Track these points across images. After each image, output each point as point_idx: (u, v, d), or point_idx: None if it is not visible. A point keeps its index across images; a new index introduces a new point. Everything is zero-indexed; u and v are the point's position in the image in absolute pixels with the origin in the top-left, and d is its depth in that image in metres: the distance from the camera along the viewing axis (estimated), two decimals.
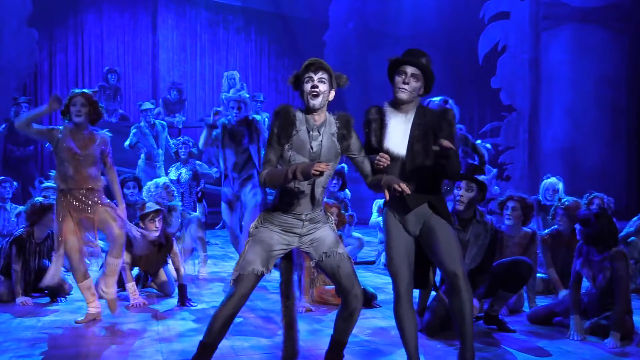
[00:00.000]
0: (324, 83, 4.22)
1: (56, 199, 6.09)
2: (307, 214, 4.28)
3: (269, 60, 19.88)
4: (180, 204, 8.80)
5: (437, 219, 4.31)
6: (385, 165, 4.03)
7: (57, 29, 17.30)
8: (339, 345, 4.52)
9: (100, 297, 6.15)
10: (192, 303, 6.89)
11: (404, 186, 3.95)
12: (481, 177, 7.62)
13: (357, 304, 4.37)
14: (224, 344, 5.30)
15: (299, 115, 4.25)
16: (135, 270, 7.54)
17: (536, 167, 14.71)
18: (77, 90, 6.12)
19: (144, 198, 8.54)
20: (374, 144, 4.34)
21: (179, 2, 18.81)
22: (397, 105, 4.32)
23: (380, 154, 4.07)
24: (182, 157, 10.68)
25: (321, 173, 3.83)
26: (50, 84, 17.24)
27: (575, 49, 14.49)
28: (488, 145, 11.36)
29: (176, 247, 7.37)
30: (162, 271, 7.43)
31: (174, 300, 7.05)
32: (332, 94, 4.30)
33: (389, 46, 16.85)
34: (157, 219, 7.12)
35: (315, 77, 4.20)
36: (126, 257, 7.07)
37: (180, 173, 10.35)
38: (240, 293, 4.20)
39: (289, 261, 4.56)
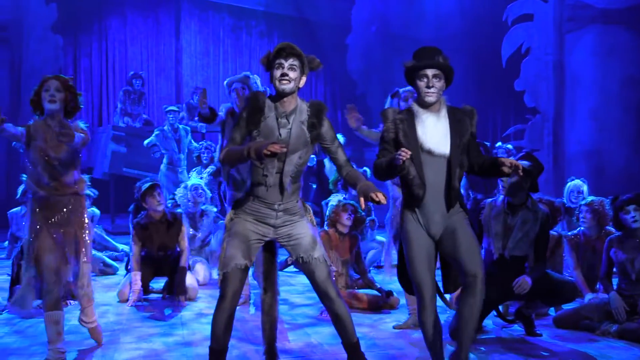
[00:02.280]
0: (295, 70, 4.18)
1: (30, 209, 5.03)
2: (279, 204, 4.25)
3: None
4: (215, 208, 8.84)
5: (459, 219, 4.31)
6: (405, 159, 3.97)
7: (81, 35, 17.43)
8: (353, 347, 4.47)
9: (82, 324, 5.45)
10: (183, 297, 7.11)
11: (380, 196, 3.98)
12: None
13: (334, 306, 4.35)
14: (249, 347, 5.33)
15: (268, 102, 4.23)
16: (161, 283, 7.60)
17: (561, 170, 14.61)
18: (49, 75, 5.09)
19: (177, 200, 8.67)
20: (405, 145, 4.23)
21: (202, 8, 18.89)
22: (426, 105, 4.30)
23: (402, 149, 4.00)
24: (204, 161, 10.74)
25: (273, 154, 3.81)
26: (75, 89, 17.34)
27: (599, 51, 14.39)
28: (509, 146, 11.31)
29: (185, 228, 7.51)
30: (187, 275, 7.45)
31: (199, 304, 7.07)
32: (304, 80, 4.27)
33: (411, 49, 16.67)
34: (156, 193, 7.28)
35: (286, 64, 4.15)
36: (135, 249, 7.25)
37: (202, 178, 10.39)
38: (230, 292, 4.20)
39: (270, 252, 4.53)
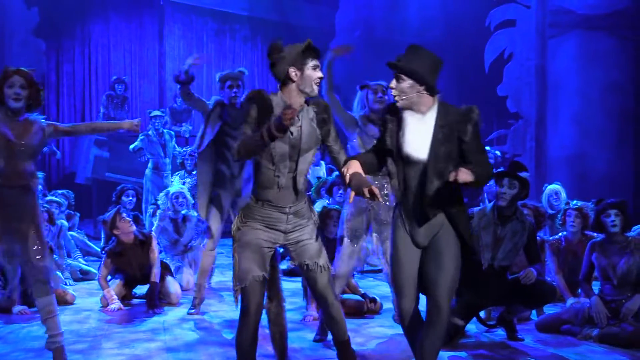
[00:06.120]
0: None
1: None
2: (290, 207, 4.17)
3: None
4: (196, 214, 8.82)
5: (449, 239, 4.04)
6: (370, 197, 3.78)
7: (64, 39, 17.32)
8: (344, 344, 4.47)
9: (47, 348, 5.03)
10: (157, 310, 6.95)
11: (376, 191, 3.77)
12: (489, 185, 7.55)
13: (332, 310, 4.35)
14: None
15: (275, 99, 4.15)
16: (143, 289, 7.57)
17: (543, 175, 14.66)
18: (12, 68, 4.88)
19: (160, 206, 8.66)
20: (389, 146, 4.07)
21: (185, 12, 18.84)
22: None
23: (373, 188, 3.78)
24: (188, 167, 10.76)
25: (292, 119, 3.77)
26: (58, 94, 17.26)
27: (581, 56, 14.45)
28: (497, 153, 11.39)
29: (155, 244, 7.44)
30: (169, 280, 7.44)
31: (182, 310, 7.03)
32: None
33: (395, 54, 16.82)
34: (124, 215, 7.28)
35: (319, 66, 4.17)
36: (103, 271, 7.26)
37: (185, 182, 10.41)
38: (253, 306, 4.15)
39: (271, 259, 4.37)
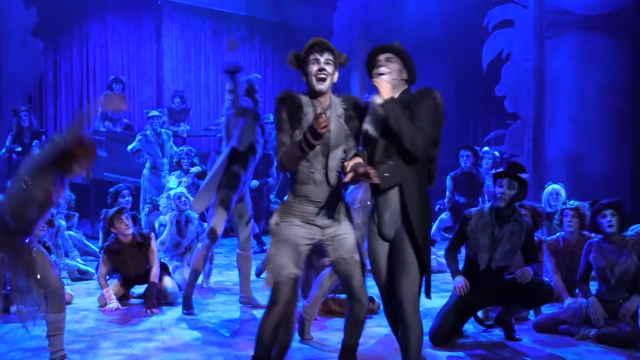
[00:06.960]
0: (331, 65, 4.15)
1: None
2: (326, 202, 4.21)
3: (273, 69, 19.90)
4: (196, 214, 8.82)
5: (409, 235, 4.09)
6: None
7: (62, 39, 17.33)
8: (351, 348, 4.49)
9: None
10: (155, 310, 6.92)
11: (371, 172, 3.85)
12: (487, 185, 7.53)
13: (362, 312, 4.35)
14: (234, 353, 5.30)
15: (304, 99, 4.18)
16: (141, 289, 7.57)
17: (541, 175, 14.66)
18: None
19: (161, 209, 8.63)
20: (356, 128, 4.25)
21: (183, 12, 18.83)
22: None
23: (368, 169, 3.90)
24: (184, 167, 10.75)
25: (326, 127, 3.80)
26: (55, 93, 17.26)
27: (579, 56, 14.45)
28: (496, 153, 11.38)
29: (154, 245, 7.39)
30: (166, 279, 7.42)
31: (179, 310, 7.02)
32: (337, 75, 4.24)
33: None
34: (123, 217, 7.21)
35: (322, 59, 4.13)
36: (102, 269, 7.22)
37: (181, 182, 10.40)
38: (282, 300, 4.15)
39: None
